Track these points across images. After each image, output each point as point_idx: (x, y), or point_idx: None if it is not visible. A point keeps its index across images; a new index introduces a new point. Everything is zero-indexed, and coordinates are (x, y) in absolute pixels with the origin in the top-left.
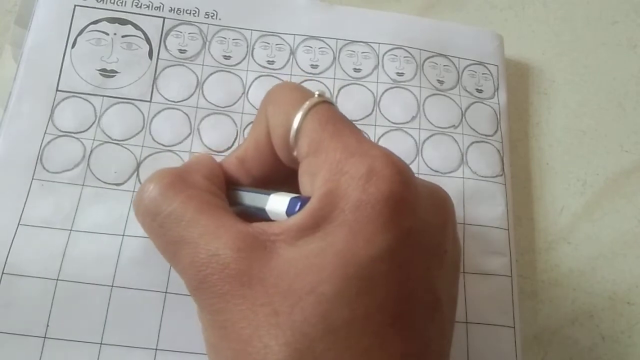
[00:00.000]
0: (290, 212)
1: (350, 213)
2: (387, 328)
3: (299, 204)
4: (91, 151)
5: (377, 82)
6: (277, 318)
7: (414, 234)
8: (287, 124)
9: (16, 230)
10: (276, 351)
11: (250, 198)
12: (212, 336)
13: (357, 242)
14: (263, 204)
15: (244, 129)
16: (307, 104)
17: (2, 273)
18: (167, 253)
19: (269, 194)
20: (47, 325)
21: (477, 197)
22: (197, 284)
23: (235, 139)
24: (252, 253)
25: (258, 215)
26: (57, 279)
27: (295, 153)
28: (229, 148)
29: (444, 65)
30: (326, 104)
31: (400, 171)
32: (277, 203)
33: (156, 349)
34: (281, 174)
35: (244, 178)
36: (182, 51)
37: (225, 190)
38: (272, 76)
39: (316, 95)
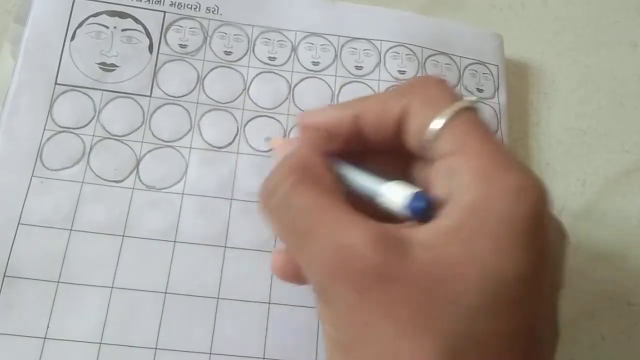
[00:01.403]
0: (412, 207)
1: (495, 225)
2: (529, 350)
3: (425, 201)
4: (91, 148)
5: (379, 80)
6: (423, 322)
7: (547, 260)
8: (430, 118)
9: (16, 230)
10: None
11: (363, 180)
12: (344, 335)
13: (502, 258)
14: (378, 191)
15: (245, 125)
16: (458, 105)
17: (4, 276)
18: (294, 242)
19: (385, 181)
20: (48, 326)
21: None
22: (329, 275)
23: (236, 135)
24: (388, 248)
25: (362, 189)
26: (58, 282)
27: (428, 145)
28: (229, 144)
29: (446, 64)
30: (475, 111)
31: (546, 194)
32: (395, 193)
33: (156, 348)
34: (375, 151)
35: (348, 132)
36: (182, 46)
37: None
38: (273, 72)
39: (471, 99)
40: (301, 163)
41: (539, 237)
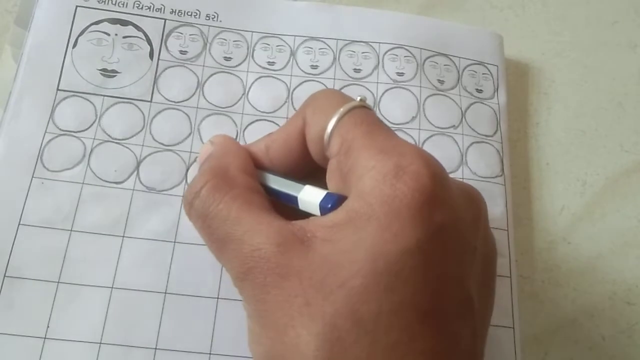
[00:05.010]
0: (323, 205)
1: (379, 208)
2: (416, 324)
3: (334, 198)
4: (91, 150)
5: (377, 83)
6: (309, 309)
7: (445, 229)
8: (324, 124)
9: (17, 231)
10: (307, 341)
11: (282, 184)
12: (254, 324)
13: (386, 237)
14: (296, 192)
15: (244, 129)
16: (345, 107)
17: (4, 276)
18: (215, 249)
19: (303, 184)
20: (48, 326)
21: None
22: (242, 276)
23: (236, 139)
24: (291, 247)
25: (287, 202)
26: (58, 282)
27: (327, 152)
28: None
29: (445, 65)
30: (364, 108)
31: (428, 165)
32: (312, 194)
33: (155, 349)
34: (301, 171)
35: (266, 164)
36: (182, 52)
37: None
38: (273, 77)
39: (357, 100)
40: (215, 166)
41: (424, 209)
